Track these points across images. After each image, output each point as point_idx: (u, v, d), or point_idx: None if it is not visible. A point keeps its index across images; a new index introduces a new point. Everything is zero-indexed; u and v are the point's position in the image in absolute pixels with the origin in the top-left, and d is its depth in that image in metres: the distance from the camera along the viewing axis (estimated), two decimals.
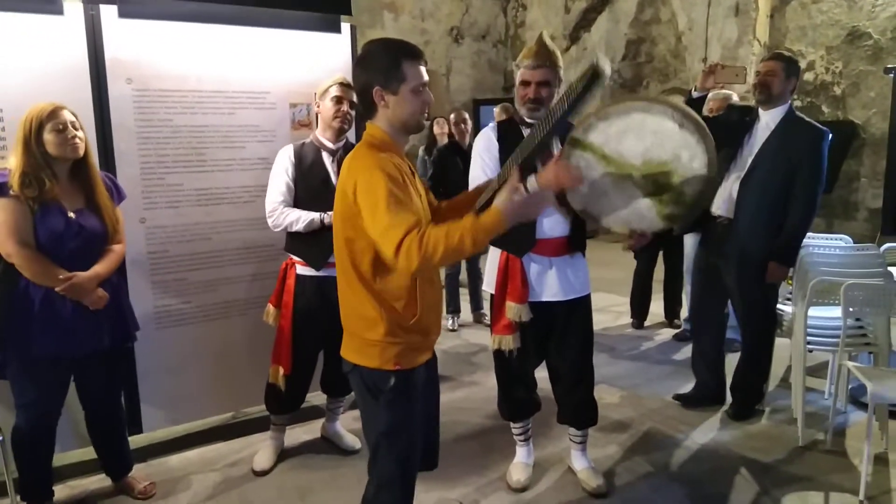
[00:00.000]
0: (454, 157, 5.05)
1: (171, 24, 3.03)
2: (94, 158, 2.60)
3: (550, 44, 2.68)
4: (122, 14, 2.91)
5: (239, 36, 3.22)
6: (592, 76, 1.82)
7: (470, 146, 5.11)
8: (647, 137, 2.29)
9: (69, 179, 2.50)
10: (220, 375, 3.37)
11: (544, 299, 2.72)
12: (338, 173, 2.94)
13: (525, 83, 2.64)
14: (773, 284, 3.54)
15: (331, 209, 2.87)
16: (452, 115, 5.44)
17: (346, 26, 3.52)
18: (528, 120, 2.67)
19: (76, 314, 2.48)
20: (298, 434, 3.46)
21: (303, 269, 3.00)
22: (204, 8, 3.08)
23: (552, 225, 2.66)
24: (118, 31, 2.92)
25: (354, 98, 2.93)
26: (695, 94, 3.32)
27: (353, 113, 2.98)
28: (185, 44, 3.08)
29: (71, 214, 2.46)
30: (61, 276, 2.41)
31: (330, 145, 2.99)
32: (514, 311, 2.70)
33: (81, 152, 2.47)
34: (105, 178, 2.65)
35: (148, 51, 3.00)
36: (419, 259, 1.73)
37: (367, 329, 1.96)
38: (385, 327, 1.93)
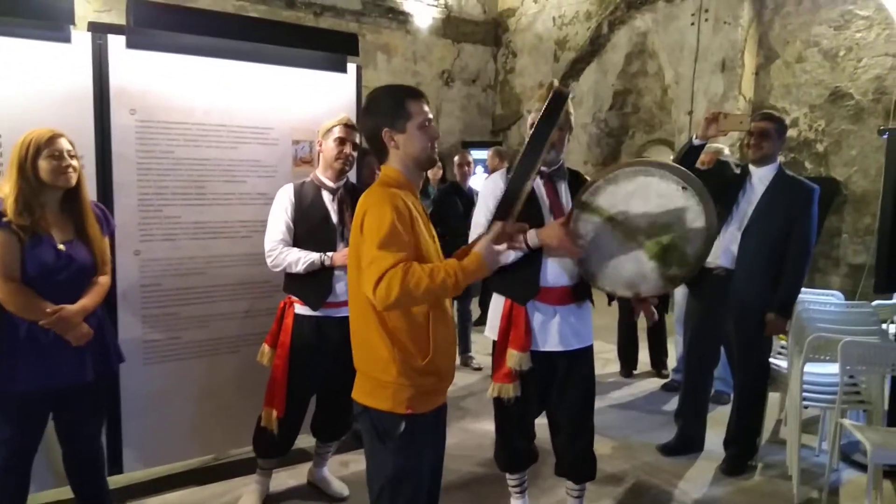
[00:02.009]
0: (454, 198, 5.06)
1: (180, 56, 3.02)
2: (87, 189, 2.52)
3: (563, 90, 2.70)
4: (131, 45, 2.89)
5: (246, 71, 3.21)
6: (554, 98, 1.91)
7: (470, 188, 5.18)
8: (652, 200, 2.39)
9: (59, 209, 2.42)
10: (206, 415, 3.26)
11: (547, 349, 2.67)
12: (338, 212, 2.92)
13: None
14: (768, 337, 3.57)
15: (331, 248, 2.85)
16: (456, 157, 5.46)
17: (352, 66, 3.54)
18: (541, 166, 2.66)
19: (60, 346, 2.38)
20: (284, 479, 3.34)
21: (301, 309, 2.93)
22: (213, 42, 3.08)
23: (557, 275, 2.63)
24: (125, 62, 2.90)
25: (357, 139, 2.93)
26: (695, 142, 3.34)
27: (355, 154, 2.97)
28: (192, 77, 3.07)
29: (61, 246, 2.38)
30: (48, 310, 2.33)
31: (331, 184, 2.96)
32: (515, 359, 2.65)
33: (74, 182, 2.39)
34: (95, 207, 2.58)
35: (154, 82, 2.97)
36: (399, 291, 1.75)
37: (379, 370, 1.93)
38: (397, 368, 1.90)
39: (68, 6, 2.73)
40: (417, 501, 2.00)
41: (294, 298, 2.96)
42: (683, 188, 2.38)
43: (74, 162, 2.39)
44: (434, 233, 2.07)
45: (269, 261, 2.90)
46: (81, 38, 2.81)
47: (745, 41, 7.34)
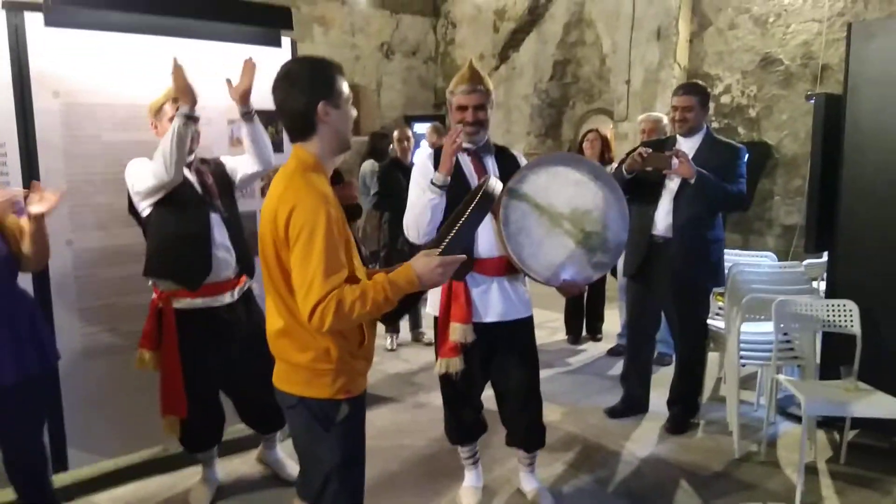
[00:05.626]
0: (397, 174, 5.03)
1: (103, 34, 2.88)
2: None
3: (480, 69, 2.73)
4: (49, 23, 2.74)
5: (175, 48, 3.07)
6: (483, 196, 1.92)
7: (412, 163, 5.14)
8: (570, 188, 2.59)
9: None
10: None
11: (487, 320, 2.70)
12: (199, 182, 2.79)
13: (462, 108, 2.65)
14: (705, 299, 3.70)
15: (203, 217, 2.73)
16: (396, 132, 5.41)
17: (286, 41, 3.44)
18: (465, 145, 2.68)
19: None
20: (237, 466, 3.31)
21: (180, 303, 2.77)
22: (138, 19, 2.94)
23: (489, 246, 2.66)
24: (44, 41, 2.75)
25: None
26: (626, 176, 3.48)
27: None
28: (118, 56, 2.93)
29: None
30: None
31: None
32: (459, 331, 2.66)
33: None
34: None
35: (77, 62, 2.83)
36: (332, 321, 1.72)
37: (319, 359, 1.87)
38: (337, 355, 1.87)
39: None
40: (363, 483, 2.03)
41: (167, 291, 2.77)
42: (595, 179, 2.61)
43: None
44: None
45: (153, 180, 2.61)
46: None
47: (678, 9, 7.44)
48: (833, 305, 3.32)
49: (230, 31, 3.24)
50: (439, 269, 1.81)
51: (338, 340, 1.86)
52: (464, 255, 1.88)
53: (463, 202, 2.07)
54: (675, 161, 3.36)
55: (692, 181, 3.36)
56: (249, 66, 2.78)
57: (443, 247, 1.86)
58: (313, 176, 1.81)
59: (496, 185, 2.01)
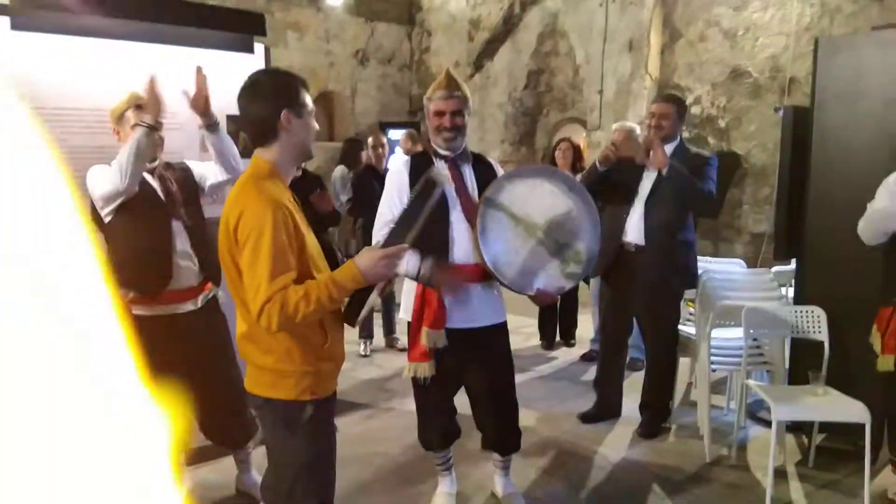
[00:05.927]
0: (371, 181, 5.02)
1: (71, 38, 2.84)
2: None
3: (457, 76, 2.75)
4: (16, 26, 2.70)
5: (145, 53, 3.05)
6: (426, 182, 1.98)
7: (387, 169, 5.12)
8: (546, 197, 2.65)
9: None
10: None
11: (461, 326, 2.70)
12: (163, 190, 2.75)
13: (439, 113, 2.66)
14: (677, 304, 3.74)
15: (165, 226, 2.71)
16: (370, 139, 5.38)
17: (259, 47, 3.43)
18: (442, 151, 2.69)
19: None
20: (205, 474, 3.25)
21: (140, 310, 2.71)
22: (106, 23, 2.91)
23: (465, 253, 2.67)
24: (10, 45, 2.70)
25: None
26: (601, 169, 3.58)
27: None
28: (86, 60, 2.89)
29: None
30: None
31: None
32: (429, 337, 2.66)
33: None
34: None
35: (43, 66, 2.78)
36: (279, 321, 1.75)
37: (282, 360, 1.90)
38: (300, 356, 1.89)
39: None
40: (331, 485, 2.04)
41: (127, 298, 2.69)
42: (569, 190, 2.67)
43: None
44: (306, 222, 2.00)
45: (109, 188, 2.56)
46: None
47: (650, 21, 7.55)
48: (801, 312, 3.38)
49: (202, 36, 3.21)
50: (382, 261, 1.84)
51: (299, 342, 1.88)
52: (406, 245, 1.89)
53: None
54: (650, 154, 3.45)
55: (664, 171, 3.41)
56: (200, 75, 2.64)
57: (385, 238, 1.91)
58: (267, 183, 1.84)
59: (440, 171, 2.04)
